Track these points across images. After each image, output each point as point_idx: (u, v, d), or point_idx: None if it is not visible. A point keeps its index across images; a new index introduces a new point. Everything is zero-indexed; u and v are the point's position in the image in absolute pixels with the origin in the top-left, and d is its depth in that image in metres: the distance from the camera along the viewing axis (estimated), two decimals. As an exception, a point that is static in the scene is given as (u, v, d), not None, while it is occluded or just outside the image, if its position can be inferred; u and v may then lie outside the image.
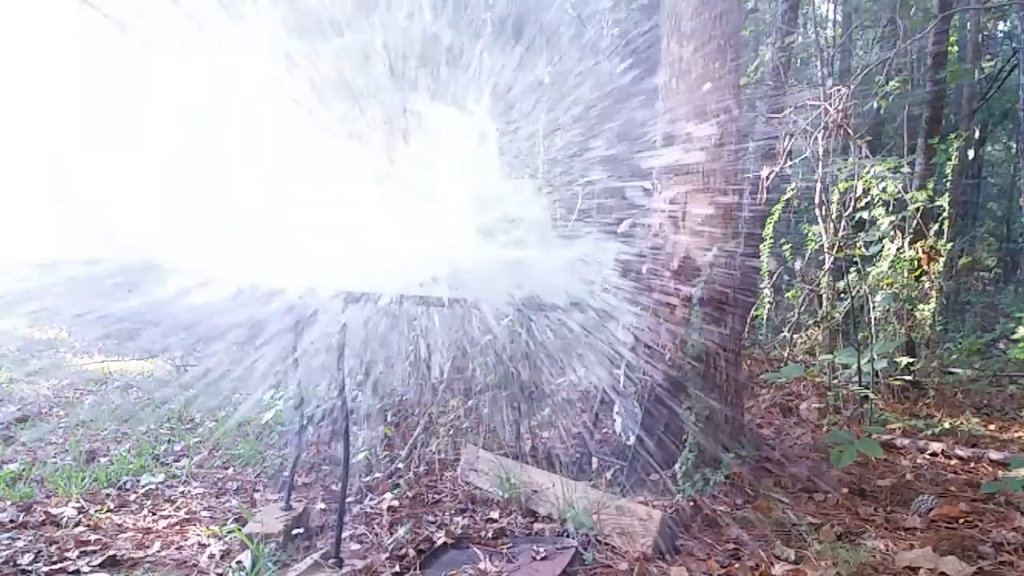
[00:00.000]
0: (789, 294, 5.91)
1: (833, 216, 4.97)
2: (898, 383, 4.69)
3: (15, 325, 8.94)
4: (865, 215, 4.99)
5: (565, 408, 3.73)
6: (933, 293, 5.22)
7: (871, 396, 4.26)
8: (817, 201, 5.32)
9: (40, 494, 3.28)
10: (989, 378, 5.32)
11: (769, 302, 5.78)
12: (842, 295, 4.96)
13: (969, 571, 2.45)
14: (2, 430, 4.45)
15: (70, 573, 2.51)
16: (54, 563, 2.57)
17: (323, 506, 3.07)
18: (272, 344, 2.89)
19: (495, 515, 2.97)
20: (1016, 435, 4.24)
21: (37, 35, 2.47)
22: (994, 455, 3.74)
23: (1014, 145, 13.09)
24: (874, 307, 4.90)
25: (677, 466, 3.10)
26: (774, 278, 5.72)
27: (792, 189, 5.50)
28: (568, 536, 2.72)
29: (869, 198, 4.88)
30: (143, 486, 3.42)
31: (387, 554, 2.61)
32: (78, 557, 2.61)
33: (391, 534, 2.80)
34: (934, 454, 3.80)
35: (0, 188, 2.53)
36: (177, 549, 2.72)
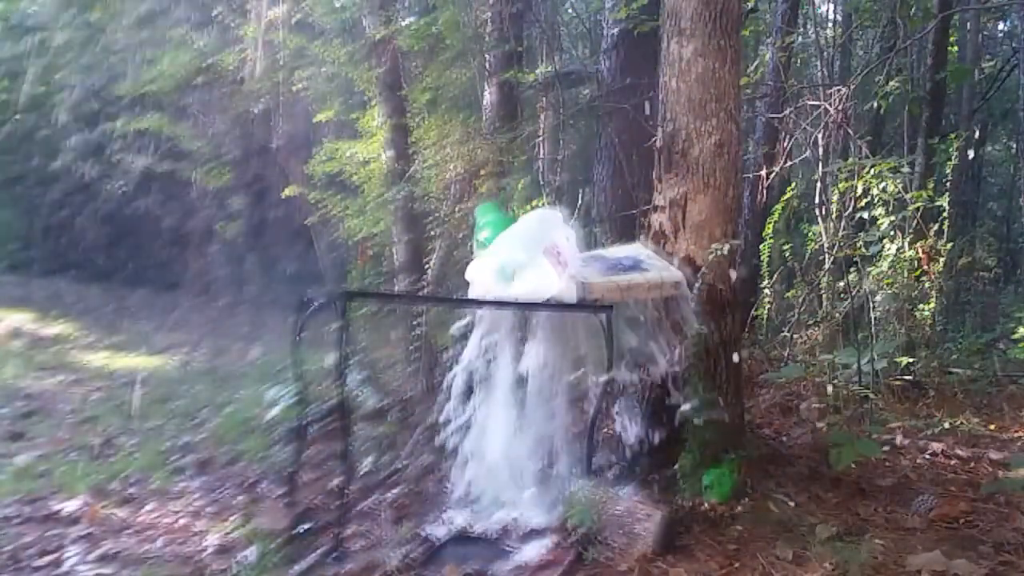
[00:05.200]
0: (789, 294, 5.92)
1: (833, 216, 4.98)
2: (898, 383, 4.70)
3: (22, 320, 8.97)
4: (865, 215, 4.99)
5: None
6: (933, 293, 5.22)
7: (871, 396, 4.26)
8: (817, 201, 5.32)
9: (46, 489, 3.29)
10: (989, 378, 5.32)
11: (769, 302, 5.78)
12: (842, 295, 4.96)
13: (980, 574, 2.46)
14: (9, 425, 4.47)
15: (75, 568, 2.53)
16: (59, 559, 2.59)
17: (327, 502, 3.08)
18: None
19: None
20: (1016, 435, 4.25)
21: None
22: (994, 455, 3.74)
23: (1014, 145, 13.11)
24: (874, 307, 4.90)
25: (677, 466, 3.11)
26: (774, 278, 5.72)
27: (792, 189, 5.51)
28: (569, 535, 2.73)
29: (869, 198, 4.88)
30: (148, 482, 3.44)
31: (390, 551, 2.63)
32: (84, 552, 2.62)
33: (394, 531, 2.82)
34: (934, 454, 3.81)
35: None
36: (181, 544, 2.74)
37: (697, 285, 3.13)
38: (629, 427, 3.37)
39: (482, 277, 3.15)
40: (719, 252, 3.15)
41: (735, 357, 3.28)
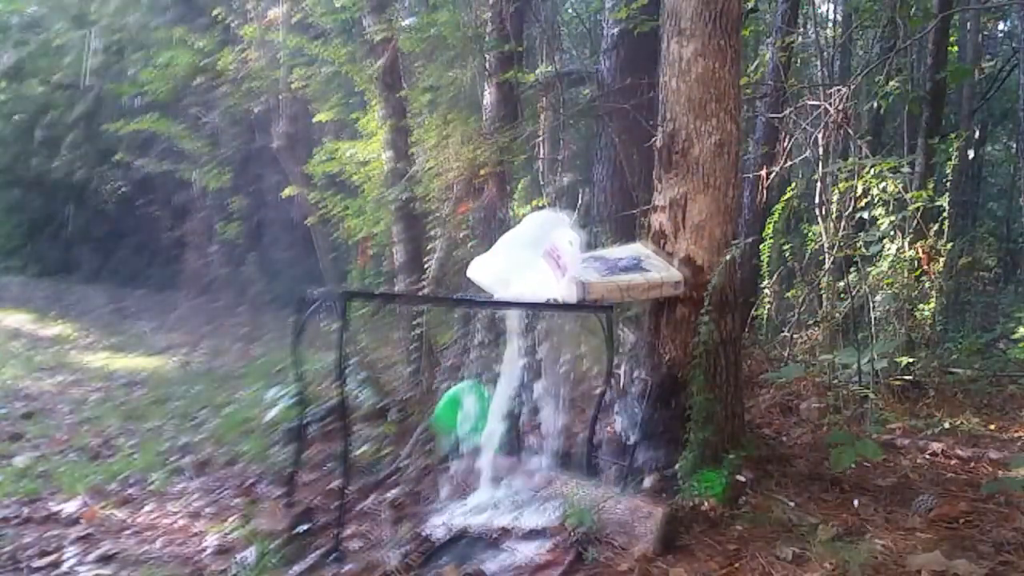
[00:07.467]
0: (789, 294, 5.92)
1: (833, 216, 4.98)
2: (898, 383, 4.70)
3: (22, 320, 8.98)
4: (865, 215, 4.99)
5: (565, 407, 3.75)
6: (933, 293, 5.22)
7: (871, 396, 4.26)
8: (817, 201, 5.32)
9: (46, 490, 3.29)
10: (989, 378, 5.32)
11: (769, 302, 5.78)
12: (842, 295, 4.96)
13: (980, 573, 2.45)
14: (8, 425, 4.47)
15: (74, 569, 2.53)
16: (58, 559, 2.59)
17: (326, 502, 3.08)
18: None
19: (497, 514, 2.98)
20: (1016, 435, 4.25)
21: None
22: (994, 455, 3.74)
23: (1014, 145, 13.11)
24: (874, 307, 4.90)
25: (678, 466, 3.11)
26: (774, 278, 5.72)
27: (792, 189, 5.51)
28: (569, 536, 2.73)
29: (869, 198, 4.89)
30: (147, 482, 3.43)
31: (390, 551, 2.63)
32: (83, 553, 2.62)
33: (394, 531, 2.81)
34: (934, 454, 3.80)
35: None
36: (180, 545, 2.74)
37: (708, 290, 3.12)
38: (629, 427, 3.37)
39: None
40: (732, 254, 3.15)
41: (735, 357, 3.28)
